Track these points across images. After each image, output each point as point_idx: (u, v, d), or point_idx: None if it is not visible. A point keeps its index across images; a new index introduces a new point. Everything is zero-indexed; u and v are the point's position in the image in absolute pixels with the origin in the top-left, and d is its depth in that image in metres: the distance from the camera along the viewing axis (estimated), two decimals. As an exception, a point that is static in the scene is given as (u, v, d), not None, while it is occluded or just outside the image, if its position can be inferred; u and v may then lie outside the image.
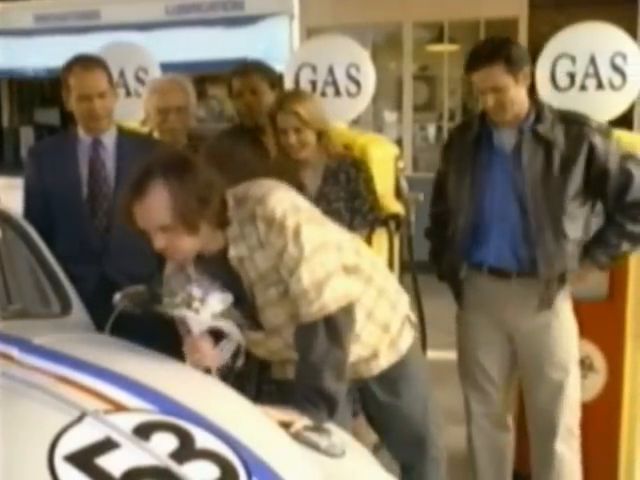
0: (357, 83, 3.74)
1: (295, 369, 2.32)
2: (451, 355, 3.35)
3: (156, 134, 3.73)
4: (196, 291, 2.24)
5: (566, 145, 2.93)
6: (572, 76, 3.39)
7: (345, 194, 3.25)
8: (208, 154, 3.46)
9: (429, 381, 2.77)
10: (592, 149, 2.92)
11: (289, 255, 2.22)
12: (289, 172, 3.06)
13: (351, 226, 3.15)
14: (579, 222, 3.00)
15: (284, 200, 2.26)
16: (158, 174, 2.14)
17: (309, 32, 9.02)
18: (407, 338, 2.63)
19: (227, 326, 2.30)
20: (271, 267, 2.26)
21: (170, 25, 13.00)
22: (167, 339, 3.43)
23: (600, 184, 2.97)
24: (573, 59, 3.37)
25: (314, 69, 3.72)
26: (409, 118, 9.52)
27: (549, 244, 2.96)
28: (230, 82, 3.71)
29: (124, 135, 3.37)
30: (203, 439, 1.79)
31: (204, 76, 11.80)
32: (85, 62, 3.24)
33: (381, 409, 2.66)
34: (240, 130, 3.59)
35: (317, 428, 2.16)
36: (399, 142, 8.99)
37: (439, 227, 3.25)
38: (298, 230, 2.21)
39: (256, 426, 2.01)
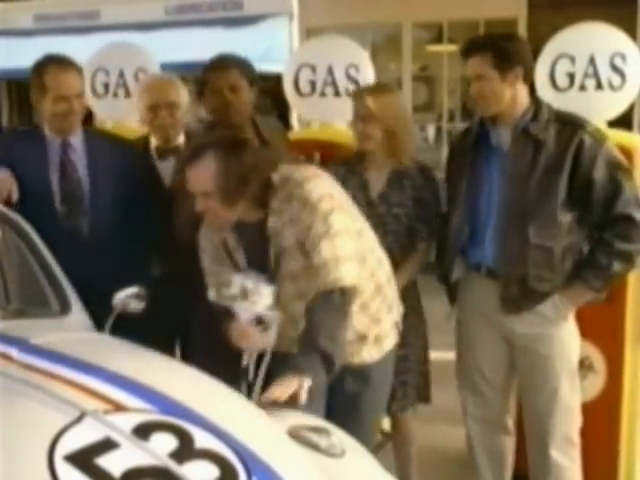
0: (356, 83, 3.74)
1: (299, 335, 2.46)
2: (450, 356, 3.35)
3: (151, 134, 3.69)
4: (249, 283, 2.49)
5: (555, 146, 2.87)
6: (571, 76, 3.39)
7: (409, 201, 3.19)
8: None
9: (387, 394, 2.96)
10: (580, 152, 2.84)
11: (316, 231, 2.46)
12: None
13: (417, 237, 3.19)
14: (556, 230, 2.89)
15: (320, 186, 2.53)
16: (211, 148, 2.46)
17: (308, 32, 9.03)
18: (391, 341, 2.82)
19: (272, 314, 2.51)
20: (296, 243, 2.51)
21: (170, 25, 12.98)
22: (165, 339, 3.48)
23: (585, 191, 2.86)
24: (572, 59, 3.38)
25: (313, 69, 3.73)
26: (409, 118, 9.50)
27: (510, 244, 2.92)
28: (203, 77, 3.42)
29: (92, 136, 3.30)
30: (203, 439, 1.79)
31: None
32: (60, 62, 3.16)
33: (345, 400, 2.77)
34: (213, 127, 3.38)
35: (317, 428, 2.16)
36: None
37: (442, 230, 3.22)
38: (328, 213, 2.47)
39: (256, 426, 2.00)
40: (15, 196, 2.99)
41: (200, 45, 12.19)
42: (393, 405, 3.27)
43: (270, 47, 11.44)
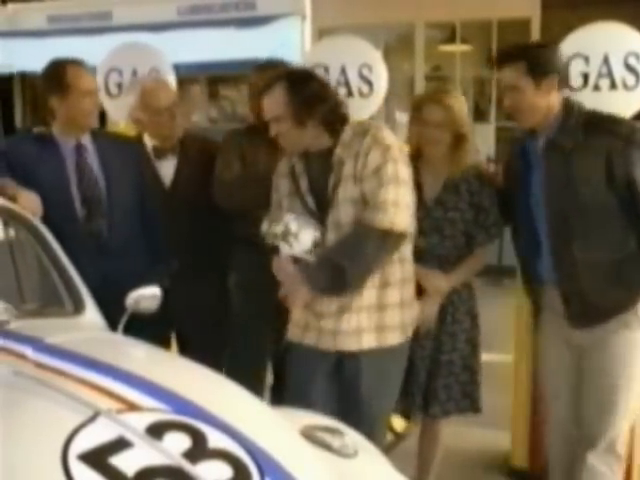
0: (369, 83, 3.73)
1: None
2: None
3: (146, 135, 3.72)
4: (293, 225, 2.72)
5: (586, 153, 2.76)
6: (586, 76, 3.38)
7: (465, 206, 3.15)
8: (226, 154, 3.49)
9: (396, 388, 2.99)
10: (612, 155, 2.71)
11: (385, 171, 2.68)
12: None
13: (475, 241, 3.18)
14: (604, 241, 2.79)
15: (394, 138, 2.79)
16: (281, 79, 2.80)
17: (321, 33, 9.03)
18: (396, 339, 2.85)
19: (309, 258, 2.73)
20: (354, 174, 2.72)
21: (182, 26, 12.99)
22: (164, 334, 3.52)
23: (629, 194, 2.73)
24: (586, 59, 3.36)
25: (327, 69, 3.72)
26: (421, 118, 9.48)
27: (560, 260, 2.85)
28: (250, 80, 3.61)
29: (99, 136, 3.32)
30: (216, 439, 1.79)
31: (216, 77, 11.79)
32: (77, 63, 3.21)
33: (345, 386, 2.87)
34: (254, 130, 3.49)
35: (330, 429, 2.16)
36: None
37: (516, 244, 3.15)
38: (399, 160, 2.72)
39: (269, 425, 2.01)
40: (39, 214, 2.97)
41: (212, 45, 12.22)
42: (433, 407, 3.24)
43: (282, 47, 11.42)
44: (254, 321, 3.59)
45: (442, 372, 3.17)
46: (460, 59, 9.36)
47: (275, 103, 2.78)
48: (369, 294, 2.77)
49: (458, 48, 9.35)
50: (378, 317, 2.79)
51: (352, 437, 2.18)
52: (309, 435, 2.10)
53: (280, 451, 1.85)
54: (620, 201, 2.74)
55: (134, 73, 4.18)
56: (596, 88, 3.37)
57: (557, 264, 2.86)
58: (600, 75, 3.36)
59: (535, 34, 8.66)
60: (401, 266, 2.82)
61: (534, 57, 2.78)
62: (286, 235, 2.71)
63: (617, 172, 2.71)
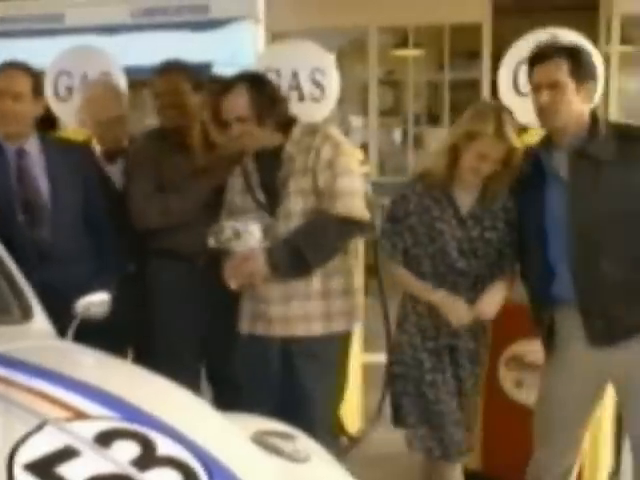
0: (321, 88, 3.74)
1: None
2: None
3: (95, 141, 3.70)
4: (239, 225, 2.86)
5: (619, 165, 2.60)
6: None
7: (502, 224, 2.91)
8: (134, 161, 3.44)
9: (345, 379, 3.16)
10: None
11: (338, 164, 2.87)
12: (219, 173, 3.17)
13: (506, 262, 2.94)
14: (632, 255, 2.65)
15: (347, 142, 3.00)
16: (239, 81, 2.93)
17: (274, 36, 9.02)
18: (342, 325, 3.00)
19: (263, 245, 2.86)
20: (306, 168, 2.88)
21: (135, 29, 12.90)
22: (120, 343, 3.47)
23: None
24: (535, 64, 3.40)
25: (278, 73, 3.72)
26: (375, 122, 9.54)
27: (585, 278, 2.67)
28: (150, 83, 3.48)
29: (47, 141, 3.25)
30: (165, 446, 1.78)
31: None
32: (8, 65, 3.15)
33: (292, 373, 2.98)
34: (163, 132, 3.43)
35: (281, 434, 2.16)
36: (365, 146, 9.02)
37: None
38: (349, 154, 2.93)
39: (219, 432, 2.00)
40: None
41: (166, 49, 12.13)
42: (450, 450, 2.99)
43: (236, 51, 11.41)
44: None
45: (451, 407, 2.98)
46: (413, 63, 9.42)
47: (239, 104, 2.89)
48: (315, 281, 2.93)
49: (411, 52, 9.41)
50: (324, 304, 2.94)
51: (304, 442, 2.18)
52: (260, 440, 2.09)
53: (230, 457, 1.85)
54: None
55: (84, 76, 4.14)
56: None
57: (579, 281, 2.68)
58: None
59: (487, 39, 8.76)
60: (345, 255, 2.98)
61: (578, 58, 2.62)
62: (237, 235, 2.83)
63: None
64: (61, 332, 2.64)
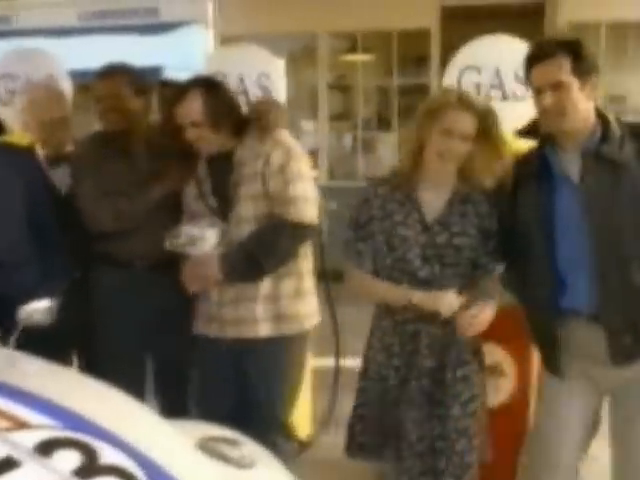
0: (268, 92, 3.74)
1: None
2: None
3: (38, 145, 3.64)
4: (195, 231, 2.90)
5: (637, 166, 2.44)
6: (478, 87, 3.47)
7: (474, 230, 2.71)
8: (78, 165, 3.41)
9: (297, 381, 3.16)
10: None
11: (290, 169, 2.90)
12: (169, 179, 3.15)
13: (482, 270, 2.75)
14: None
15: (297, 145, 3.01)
16: (194, 86, 2.93)
17: (224, 41, 8.99)
18: (293, 328, 3.02)
19: (219, 249, 2.91)
20: (256, 173, 2.90)
21: (84, 32, 12.76)
22: (65, 350, 3.42)
23: None
24: (479, 70, 3.45)
25: (225, 78, 3.70)
26: (325, 127, 9.57)
27: (610, 289, 2.47)
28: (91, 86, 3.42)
29: None
30: (108, 454, 1.76)
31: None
32: None
33: (240, 375, 3.04)
34: (106, 136, 3.40)
35: (227, 440, 2.15)
36: (315, 151, 9.04)
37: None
38: (301, 159, 2.94)
39: (162, 439, 1.98)
40: None
41: (116, 52, 12.02)
42: None
43: (187, 55, 11.34)
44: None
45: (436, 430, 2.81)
46: (363, 68, 9.47)
47: (193, 109, 2.90)
48: (264, 284, 2.96)
49: (360, 58, 9.45)
50: (274, 307, 2.98)
51: (250, 447, 2.18)
52: (205, 447, 2.09)
53: (174, 464, 1.83)
54: None
55: (28, 79, 4.08)
56: (488, 99, 3.46)
57: (604, 293, 2.47)
58: (492, 86, 3.46)
59: (435, 45, 8.84)
60: (296, 259, 3.01)
61: (579, 52, 2.44)
62: (192, 241, 2.88)
63: None
64: (4, 340, 2.60)
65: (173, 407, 3.31)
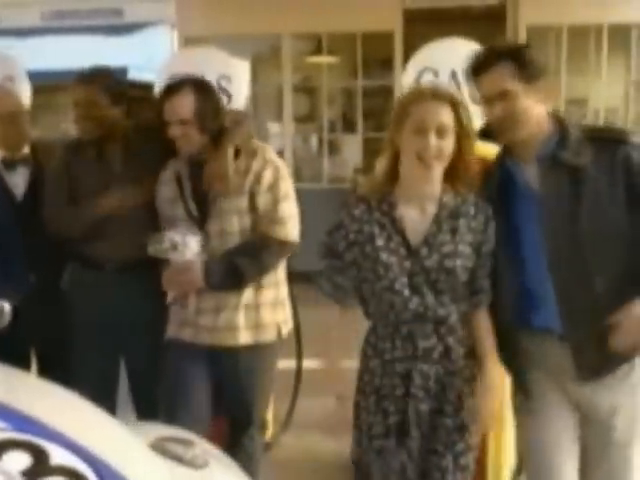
0: (227, 94, 3.74)
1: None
2: (324, 364, 3.38)
3: None
4: (177, 237, 2.90)
5: (597, 171, 2.33)
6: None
7: (468, 249, 2.39)
8: (51, 172, 3.39)
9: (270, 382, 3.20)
10: (630, 171, 2.33)
11: (279, 189, 2.96)
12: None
13: (483, 295, 2.45)
14: (617, 268, 2.35)
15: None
16: (187, 83, 2.96)
17: (187, 42, 8.96)
18: (270, 337, 3.06)
19: (199, 258, 2.94)
20: (239, 189, 2.93)
21: (47, 32, 12.66)
22: (23, 353, 3.40)
23: None
24: (436, 73, 3.48)
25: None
26: (290, 129, 9.59)
27: (574, 301, 2.37)
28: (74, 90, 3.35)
29: None
30: (59, 455, 1.75)
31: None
32: None
33: (222, 380, 3.07)
34: (78, 144, 3.38)
35: (180, 440, 2.16)
36: (281, 153, 9.05)
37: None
38: (287, 178, 3.00)
39: (115, 439, 1.98)
40: None
41: (79, 53, 11.95)
42: None
43: (151, 56, 11.30)
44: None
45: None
46: (327, 70, 9.50)
47: (184, 106, 2.92)
48: (246, 294, 2.99)
49: (325, 59, 9.48)
50: (254, 315, 3.01)
51: (203, 447, 2.19)
52: (159, 447, 2.09)
53: (126, 465, 1.83)
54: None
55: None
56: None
57: (568, 309, 2.39)
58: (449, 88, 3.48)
59: (398, 47, 8.90)
60: (275, 269, 3.06)
61: (521, 57, 2.37)
62: (175, 247, 2.89)
63: (638, 188, 2.33)
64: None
65: (147, 407, 3.30)
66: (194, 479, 2.01)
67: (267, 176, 2.96)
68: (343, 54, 9.47)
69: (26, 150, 3.54)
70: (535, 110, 2.38)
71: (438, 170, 2.34)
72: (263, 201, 2.96)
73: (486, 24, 8.22)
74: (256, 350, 3.04)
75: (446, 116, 2.33)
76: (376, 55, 9.30)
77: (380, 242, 2.36)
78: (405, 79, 3.54)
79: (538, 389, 2.55)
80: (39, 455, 1.73)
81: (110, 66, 3.55)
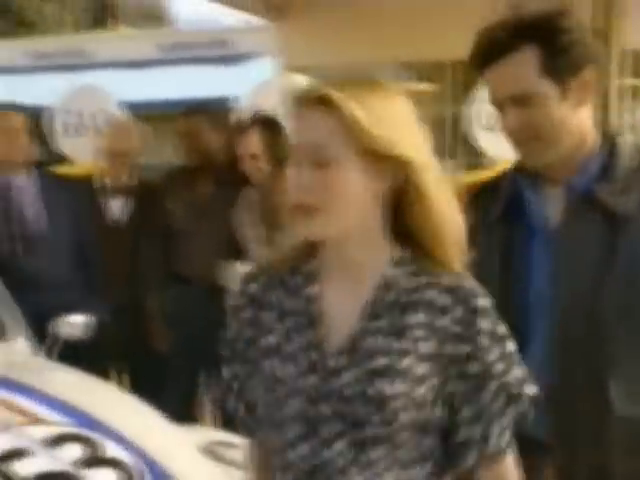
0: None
1: None
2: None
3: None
4: (243, 268, 2.95)
5: None
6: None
7: (422, 365, 1.21)
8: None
9: None
10: None
11: None
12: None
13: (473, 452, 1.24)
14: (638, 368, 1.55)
15: None
16: (258, 122, 3.26)
17: (290, 71, 9.18)
18: None
19: None
20: None
21: (161, 63, 13.17)
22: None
23: None
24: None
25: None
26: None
27: (576, 407, 1.57)
28: (180, 122, 3.71)
29: (43, 176, 3.53)
30: (111, 449, 1.99)
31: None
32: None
33: None
34: (180, 171, 3.71)
35: (230, 444, 2.33)
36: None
37: None
38: None
39: (166, 439, 2.20)
40: None
41: (189, 83, 12.42)
42: None
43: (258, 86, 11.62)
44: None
45: None
46: (426, 98, 9.55)
47: (254, 141, 3.21)
48: None
49: (422, 87, 9.55)
50: None
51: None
52: (211, 450, 2.28)
53: (175, 463, 2.04)
54: None
55: (79, 113, 4.34)
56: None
57: (565, 413, 1.58)
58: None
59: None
60: None
61: (554, 40, 1.53)
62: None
63: None
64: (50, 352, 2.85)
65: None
66: (236, 479, 2.18)
67: None
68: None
69: (130, 179, 3.78)
70: (574, 120, 1.56)
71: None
72: None
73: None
74: None
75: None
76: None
77: (274, 339, 1.29)
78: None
79: None
80: (93, 448, 1.98)
81: (217, 97, 3.86)
